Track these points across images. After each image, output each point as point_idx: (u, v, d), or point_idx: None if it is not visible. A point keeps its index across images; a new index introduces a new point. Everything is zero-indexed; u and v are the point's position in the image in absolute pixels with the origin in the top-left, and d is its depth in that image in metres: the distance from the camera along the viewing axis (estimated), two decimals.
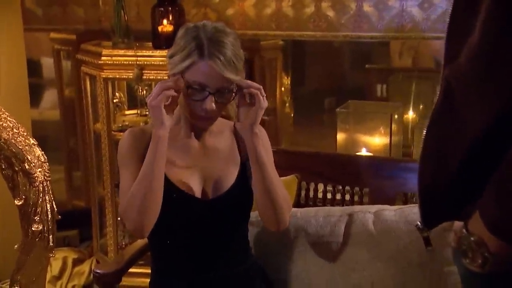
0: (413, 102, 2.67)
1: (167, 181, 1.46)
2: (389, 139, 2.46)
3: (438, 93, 0.96)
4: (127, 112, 2.71)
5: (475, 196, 0.91)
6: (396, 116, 2.51)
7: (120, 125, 2.59)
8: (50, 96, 3.28)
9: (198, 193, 1.50)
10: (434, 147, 0.97)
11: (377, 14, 2.53)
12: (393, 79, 2.78)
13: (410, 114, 2.66)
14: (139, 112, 2.64)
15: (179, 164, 1.50)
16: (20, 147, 1.77)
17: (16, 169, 1.76)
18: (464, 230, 0.95)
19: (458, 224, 0.99)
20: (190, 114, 1.44)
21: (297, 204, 1.95)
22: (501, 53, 0.86)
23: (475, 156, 0.91)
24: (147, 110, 2.49)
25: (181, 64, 1.39)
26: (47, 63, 3.23)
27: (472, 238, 0.93)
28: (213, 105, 1.39)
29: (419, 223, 1.05)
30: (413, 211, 1.62)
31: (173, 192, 1.46)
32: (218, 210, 1.50)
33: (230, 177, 1.52)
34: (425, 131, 0.98)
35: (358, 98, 2.67)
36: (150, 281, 1.60)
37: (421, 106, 2.68)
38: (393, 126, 2.47)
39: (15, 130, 1.79)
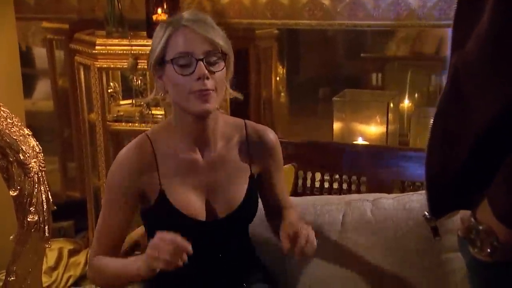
0: (409, 90, 2.66)
1: (169, 206, 1.37)
2: (385, 128, 2.45)
3: (446, 81, 0.95)
4: (121, 102, 2.69)
5: (483, 185, 0.90)
6: (392, 105, 2.51)
7: (115, 115, 2.58)
8: (43, 87, 3.25)
9: (204, 215, 1.40)
10: (441, 136, 0.96)
11: (373, 2, 2.51)
12: (389, 67, 2.77)
13: (406, 103, 2.66)
14: (134, 102, 2.62)
15: (182, 183, 1.38)
16: (14, 137, 1.75)
17: (11, 159, 1.75)
18: (472, 219, 0.94)
19: (465, 213, 0.97)
20: (189, 97, 1.30)
21: (295, 193, 1.95)
22: (507, 43, 0.85)
23: (483, 144, 0.90)
24: (141, 100, 2.48)
25: (159, 46, 1.31)
26: (40, 52, 3.20)
27: (480, 227, 0.92)
28: (206, 70, 1.28)
29: (426, 213, 1.03)
30: (411, 199, 1.62)
31: (176, 218, 1.37)
32: (227, 229, 1.42)
33: (239, 192, 1.43)
34: (432, 121, 0.97)
35: (353, 87, 2.66)
36: None
37: (417, 95, 2.67)
38: (390, 114, 2.46)
39: (9, 120, 1.78)
